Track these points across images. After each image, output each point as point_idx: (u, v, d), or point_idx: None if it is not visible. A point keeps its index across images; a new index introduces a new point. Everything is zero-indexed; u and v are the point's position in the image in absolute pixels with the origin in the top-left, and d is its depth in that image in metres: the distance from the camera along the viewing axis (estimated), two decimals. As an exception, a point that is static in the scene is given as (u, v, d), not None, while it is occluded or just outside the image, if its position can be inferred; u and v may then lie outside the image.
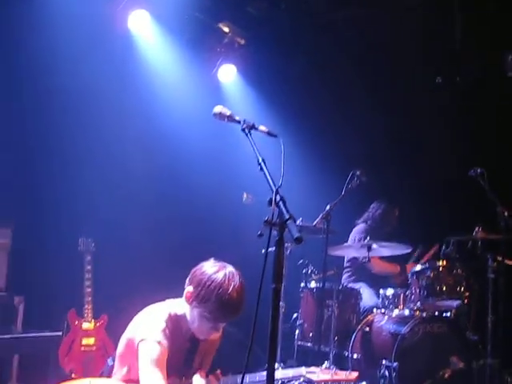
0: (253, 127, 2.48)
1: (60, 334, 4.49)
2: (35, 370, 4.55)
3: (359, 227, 6.01)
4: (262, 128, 2.51)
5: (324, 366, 3.11)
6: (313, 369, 2.90)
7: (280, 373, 2.89)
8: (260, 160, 2.31)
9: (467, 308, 5.41)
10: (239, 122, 2.51)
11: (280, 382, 4.91)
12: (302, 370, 2.89)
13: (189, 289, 2.69)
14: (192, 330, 2.73)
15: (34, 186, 5.26)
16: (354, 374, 2.94)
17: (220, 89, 6.57)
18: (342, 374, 2.94)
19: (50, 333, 4.26)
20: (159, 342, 2.59)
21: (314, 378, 2.85)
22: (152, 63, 5.99)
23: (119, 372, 2.78)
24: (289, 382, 5.00)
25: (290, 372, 2.92)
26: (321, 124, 6.85)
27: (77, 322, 5.10)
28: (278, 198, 2.13)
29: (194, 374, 2.75)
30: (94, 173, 5.44)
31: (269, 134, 2.49)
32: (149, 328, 2.63)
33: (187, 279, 2.72)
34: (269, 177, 2.25)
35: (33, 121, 5.21)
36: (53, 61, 5.12)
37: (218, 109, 2.55)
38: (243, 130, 2.46)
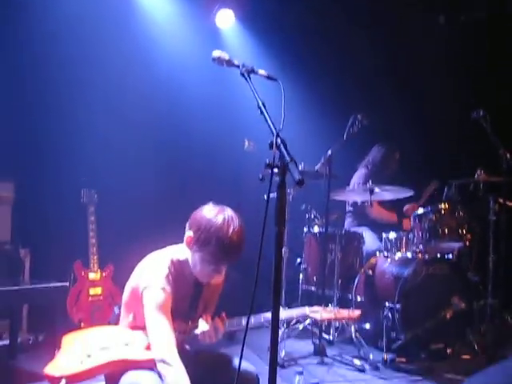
0: (252, 71, 2.44)
1: (67, 284, 4.54)
2: (44, 320, 4.63)
3: (360, 172, 6.02)
4: (262, 72, 2.48)
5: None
6: (316, 308, 2.94)
7: (284, 313, 2.93)
8: (260, 104, 2.28)
9: (469, 250, 5.48)
10: (238, 66, 2.47)
11: (285, 324, 5.04)
12: (306, 309, 2.93)
13: (189, 233, 2.70)
14: (195, 274, 2.75)
15: (35, 138, 5.24)
16: (357, 312, 2.98)
17: (218, 34, 6.47)
18: (345, 312, 2.98)
19: (56, 283, 4.31)
20: (163, 289, 2.62)
21: (317, 316, 2.89)
22: (149, 10, 5.88)
23: (125, 319, 2.82)
24: (294, 329, 5.13)
25: (293, 312, 2.96)
26: (320, 69, 6.76)
27: (83, 273, 5.16)
28: (279, 141, 2.12)
29: (200, 318, 2.79)
30: (93, 123, 5.41)
31: (268, 77, 2.46)
32: (152, 275, 2.66)
33: (187, 224, 2.73)
34: (269, 120, 2.22)
35: (31, 74, 5.15)
36: (49, 12, 5.03)
37: (216, 53, 2.51)
38: (242, 74, 2.42)
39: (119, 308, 2.92)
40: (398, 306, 4.71)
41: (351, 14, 6.52)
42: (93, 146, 5.36)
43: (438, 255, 5.20)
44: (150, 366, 2.57)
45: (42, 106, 5.23)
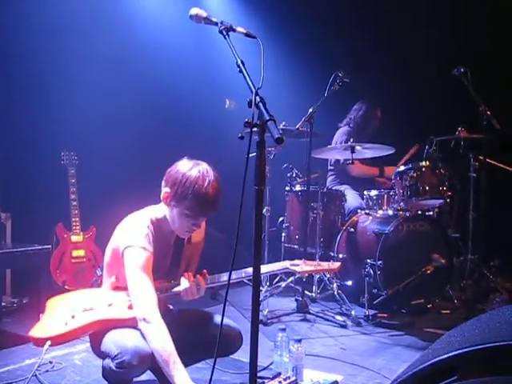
0: (231, 29, 2.41)
1: (49, 247, 4.53)
2: (28, 283, 4.63)
3: (342, 130, 6.01)
4: (240, 29, 2.44)
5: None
6: (296, 262, 2.97)
7: (265, 267, 2.95)
8: (238, 62, 2.26)
9: (449, 207, 5.54)
10: (216, 23, 2.43)
11: (268, 281, 5.09)
12: (286, 263, 2.96)
13: (165, 190, 2.70)
14: (174, 230, 2.77)
15: (14, 101, 5.15)
16: (337, 264, 3.02)
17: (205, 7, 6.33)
18: (325, 265, 3.02)
19: (39, 246, 4.29)
20: (144, 248, 2.63)
21: (297, 269, 2.93)
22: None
23: (108, 281, 2.83)
24: (277, 287, 5.17)
25: (274, 266, 2.99)
26: (302, 27, 6.67)
27: (65, 236, 5.15)
28: (258, 99, 2.10)
29: (182, 276, 2.81)
30: (71, 85, 5.31)
31: (247, 35, 2.42)
32: (132, 235, 2.66)
33: (163, 181, 2.74)
34: (248, 79, 2.20)
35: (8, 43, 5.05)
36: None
37: (193, 11, 2.47)
38: (221, 31, 2.39)
39: (101, 270, 2.93)
40: (379, 262, 4.77)
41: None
42: (72, 108, 5.27)
43: (419, 212, 5.26)
44: (133, 324, 2.59)
45: (20, 70, 5.12)
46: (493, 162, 5.35)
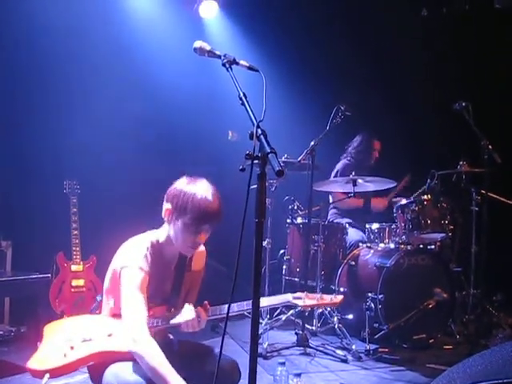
0: (234, 62, 2.45)
1: (49, 275, 4.52)
2: (27, 312, 4.60)
3: (341, 163, 6.04)
4: (243, 62, 2.48)
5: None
6: (298, 294, 2.93)
7: (267, 300, 2.92)
8: (241, 94, 2.28)
9: (451, 241, 5.53)
10: (219, 56, 2.47)
11: (268, 314, 5.04)
12: (288, 296, 2.92)
13: (166, 206, 2.71)
14: (178, 247, 2.75)
15: (18, 129, 5.20)
16: (340, 297, 2.98)
17: (201, 25, 6.43)
18: (328, 298, 2.98)
19: (39, 275, 4.28)
20: (140, 268, 2.61)
21: (299, 303, 2.89)
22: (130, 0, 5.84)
23: (106, 306, 2.81)
24: (277, 319, 5.14)
25: (276, 299, 2.96)
26: (303, 60, 6.76)
27: (66, 265, 5.13)
28: (259, 131, 2.12)
29: (182, 305, 2.79)
30: (76, 115, 5.36)
31: (250, 68, 2.46)
32: (130, 256, 2.65)
33: (164, 201, 2.75)
34: (250, 111, 2.22)
35: (15, 64, 5.11)
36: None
37: (197, 43, 2.52)
38: (224, 64, 2.43)
39: (101, 296, 2.91)
40: (380, 296, 4.74)
41: (334, 7, 6.51)
42: (75, 138, 5.31)
43: (421, 246, 5.24)
44: (133, 357, 2.56)
45: (24, 100, 5.18)
46: (495, 195, 5.34)
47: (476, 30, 6.33)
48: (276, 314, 5.39)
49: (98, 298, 3.00)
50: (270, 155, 2.05)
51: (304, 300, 2.88)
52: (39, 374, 2.53)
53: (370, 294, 4.84)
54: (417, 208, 5.07)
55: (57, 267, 5.15)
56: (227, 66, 2.42)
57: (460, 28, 6.44)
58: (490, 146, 5.01)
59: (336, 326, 4.90)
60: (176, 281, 2.85)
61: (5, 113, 5.09)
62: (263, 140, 2.09)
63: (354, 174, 5.20)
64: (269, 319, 5.11)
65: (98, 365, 2.62)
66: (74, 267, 5.15)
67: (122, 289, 2.61)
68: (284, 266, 5.61)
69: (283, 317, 5.14)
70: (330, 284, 5.33)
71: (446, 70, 6.50)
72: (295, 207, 5.66)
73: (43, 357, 2.59)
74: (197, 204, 2.62)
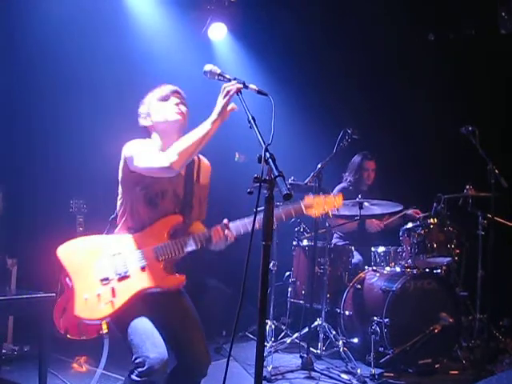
0: (243, 85, 2.49)
1: (53, 295, 4.49)
2: (30, 331, 4.58)
3: (339, 186, 6.04)
4: (253, 86, 2.53)
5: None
6: (308, 202, 3.02)
7: (280, 212, 3.07)
8: (250, 118, 2.32)
9: (457, 265, 5.49)
10: (230, 79, 2.52)
11: (273, 337, 5.01)
12: (301, 205, 3.00)
13: (141, 122, 3.05)
14: (169, 122, 2.94)
15: (25, 148, 5.23)
16: (340, 198, 3.13)
17: (210, 47, 6.49)
18: (331, 199, 3.09)
19: (43, 294, 4.26)
20: (144, 138, 2.89)
21: (312, 213, 2.99)
22: (142, 22, 5.90)
23: (121, 222, 2.96)
24: (282, 342, 5.11)
25: (287, 210, 3.06)
26: (310, 82, 6.79)
27: (70, 284, 5.11)
28: (268, 155, 2.14)
29: (195, 218, 2.94)
30: (84, 134, 5.39)
31: (259, 92, 2.50)
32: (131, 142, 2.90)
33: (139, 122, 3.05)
34: (259, 134, 2.25)
35: (23, 82, 5.16)
36: (44, 23, 5.05)
37: (208, 67, 2.60)
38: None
39: (115, 213, 3.04)
40: (386, 320, 4.70)
41: (340, 32, 6.57)
42: (82, 156, 5.34)
43: (427, 270, 5.21)
44: (171, 288, 2.75)
45: (32, 117, 5.22)
46: (501, 220, 5.33)
47: (482, 54, 6.38)
48: (281, 336, 5.36)
49: (111, 218, 3.05)
50: (278, 178, 2.07)
51: (314, 209, 2.99)
52: (93, 322, 2.71)
53: (375, 318, 4.81)
54: (423, 231, 5.07)
55: (61, 286, 5.13)
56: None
57: (466, 53, 6.48)
58: (496, 171, 5.01)
59: (341, 350, 4.86)
60: (187, 187, 2.95)
61: (12, 132, 5.13)
62: (271, 163, 2.11)
63: (360, 196, 5.20)
64: (273, 342, 5.08)
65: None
66: (78, 286, 5.13)
67: (129, 158, 2.83)
68: (289, 289, 5.59)
69: (288, 339, 5.11)
70: (336, 307, 5.30)
71: (453, 93, 6.53)
72: (301, 230, 5.66)
73: (91, 305, 2.65)
74: (156, 88, 3.01)
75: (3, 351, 4.63)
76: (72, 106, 5.35)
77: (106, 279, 2.69)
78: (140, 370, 2.55)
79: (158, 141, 2.96)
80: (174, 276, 2.82)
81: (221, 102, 2.66)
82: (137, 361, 2.58)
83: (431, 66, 6.65)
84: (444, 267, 5.42)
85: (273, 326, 5.24)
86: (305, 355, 4.78)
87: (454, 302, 5.01)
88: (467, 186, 5.41)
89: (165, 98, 2.95)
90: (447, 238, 5.04)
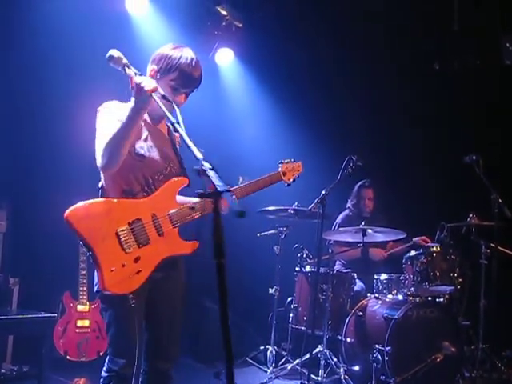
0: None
1: (55, 315, 4.50)
2: (30, 351, 4.56)
3: (342, 214, 6.06)
4: (161, 91, 2.50)
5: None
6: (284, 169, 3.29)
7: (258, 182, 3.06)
8: (173, 120, 2.30)
9: (460, 294, 5.46)
10: (135, 74, 2.49)
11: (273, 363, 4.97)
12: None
13: (151, 67, 2.83)
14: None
15: (29, 167, 5.24)
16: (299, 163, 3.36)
17: (217, 72, 6.55)
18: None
19: (44, 314, 4.26)
20: (108, 108, 2.76)
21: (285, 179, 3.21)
22: (149, 46, 5.93)
23: (110, 185, 2.84)
24: (282, 369, 5.07)
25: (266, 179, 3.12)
26: (316, 108, 6.85)
27: (72, 304, 5.11)
28: (207, 167, 2.11)
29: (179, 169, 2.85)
30: (85, 156, 5.40)
31: (163, 97, 2.49)
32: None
33: (149, 63, 2.86)
34: (190, 143, 2.22)
35: (24, 100, 5.20)
36: (50, 40, 5.10)
37: (115, 53, 2.53)
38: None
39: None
40: (387, 348, 4.67)
41: (345, 57, 6.64)
42: (85, 176, 5.35)
43: (429, 298, 5.19)
44: (187, 252, 2.72)
45: (35, 136, 5.24)
46: (504, 249, 5.32)
47: (487, 84, 6.42)
48: (281, 362, 5.32)
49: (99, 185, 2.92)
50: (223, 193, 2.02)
51: (288, 175, 3.23)
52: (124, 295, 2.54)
53: (377, 346, 4.77)
54: (426, 260, 5.06)
55: (63, 306, 5.13)
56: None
57: (471, 82, 6.53)
58: (500, 200, 5.02)
59: (342, 377, 4.83)
60: (175, 147, 2.90)
61: (16, 149, 5.15)
62: (213, 176, 2.08)
63: (363, 224, 5.21)
64: (274, 368, 5.05)
65: None
66: (79, 307, 5.13)
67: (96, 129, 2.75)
68: (291, 314, 5.56)
69: (288, 366, 5.08)
70: (337, 334, 5.27)
71: (458, 122, 6.57)
72: (304, 255, 5.65)
73: (120, 278, 2.51)
74: (181, 67, 2.76)
75: (2, 371, 4.60)
76: (73, 131, 5.37)
77: (129, 248, 2.54)
78: (110, 366, 2.63)
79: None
80: (188, 242, 2.74)
81: (136, 100, 2.54)
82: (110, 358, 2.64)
83: (435, 94, 6.69)
84: (447, 296, 5.39)
85: (274, 352, 5.21)
86: (305, 382, 4.74)
87: (457, 331, 4.98)
88: (470, 215, 5.41)
89: (176, 91, 2.79)
90: (450, 267, 5.02)
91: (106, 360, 2.66)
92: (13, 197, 5.01)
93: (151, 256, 2.59)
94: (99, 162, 2.67)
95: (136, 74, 2.49)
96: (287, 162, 3.29)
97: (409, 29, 6.31)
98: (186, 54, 2.80)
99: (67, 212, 2.59)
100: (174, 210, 2.70)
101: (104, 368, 2.66)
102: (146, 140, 2.77)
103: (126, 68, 2.53)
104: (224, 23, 6.23)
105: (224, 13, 6.16)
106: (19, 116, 5.17)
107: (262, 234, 5.30)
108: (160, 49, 2.87)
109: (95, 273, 2.59)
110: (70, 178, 5.30)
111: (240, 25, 6.33)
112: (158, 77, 2.78)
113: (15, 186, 5.11)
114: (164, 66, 2.78)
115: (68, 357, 5.01)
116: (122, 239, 2.54)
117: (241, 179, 5.66)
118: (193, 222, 2.74)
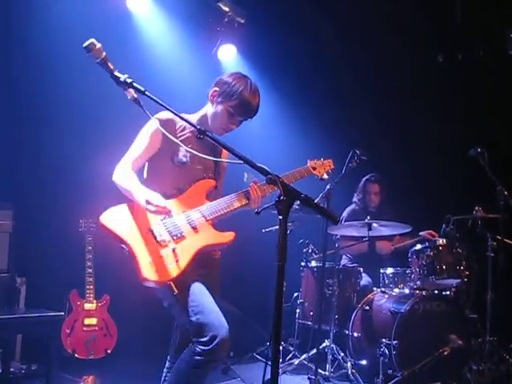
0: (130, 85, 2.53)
1: (62, 314, 4.51)
2: (38, 349, 4.59)
3: (348, 208, 6.05)
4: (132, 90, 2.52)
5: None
6: (312, 164, 3.40)
7: (290, 176, 3.21)
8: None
9: (466, 287, 5.44)
10: (114, 75, 2.49)
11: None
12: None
13: (214, 88, 3.02)
14: (212, 126, 3.01)
15: (35, 166, 5.26)
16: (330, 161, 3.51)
17: (220, 68, 6.54)
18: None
19: (52, 313, 4.28)
20: (159, 119, 2.88)
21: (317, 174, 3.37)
22: (151, 43, 5.96)
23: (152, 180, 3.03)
24: (290, 364, 5.08)
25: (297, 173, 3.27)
26: (320, 103, 6.84)
27: (79, 303, 5.14)
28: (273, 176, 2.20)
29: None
30: (93, 153, 5.42)
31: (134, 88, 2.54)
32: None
33: (213, 84, 3.05)
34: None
35: (28, 100, 5.23)
36: (51, 42, 5.10)
37: (96, 44, 2.45)
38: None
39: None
40: (394, 342, 4.67)
41: (349, 52, 6.62)
42: (91, 175, 5.37)
43: (436, 292, 5.18)
44: (224, 243, 2.88)
45: (41, 136, 5.26)
46: (510, 241, 5.30)
47: (491, 75, 6.39)
48: (289, 357, 5.33)
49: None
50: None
51: (319, 170, 3.35)
52: (163, 284, 2.68)
53: (384, 340, 4.77)
54: (432, 253, 5.05)
55: (70, 305, 5.15)
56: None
57: (476, 73, 6.50)
58: (505, 192, 5.00)
59: (349, 372, 4.83)
60: (216, 163, 3.09)
61: (22, 149, 5.17)
62: (279, 183, 2.14)
63: (369, 218, 5.20)
64: (281, 363, 5.05)
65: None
66: (87, 305, 5.15)
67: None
68: (298, 310, 5.57)
69: (296, 361, 5.09)
70: (344, 328, 5.27)
71: (462, 114, 6.55)
72: (310, 250, 5.65)
73: (157, 267, 2.68)
74: (242, 96, 2.93)
75: (11, 369, 4.62)
76: (81, 126, 5.39)
77: (164, 241, 2.74)
78: (205, 348, 2.64)
79: (200, 113, 3.11)
80: (224, 233, 2.91)
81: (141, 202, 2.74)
82: (205, 338, 2.65)
83: (440, 87, 6.67)
84: (453, 289, 5.38)
85: (281, 348, 5.21)
86: (313, 377, 4.74)
87: (464, 324, 4.96)
88: (476, 208, 5.39)
89: (233, 118, 3.00)
90: (456, 260, 5.02)
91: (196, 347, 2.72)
92: (19, 196, 5.02)
93: (188, 247, 2.77)
94: (114, 173, 2.94)
95: (113, 69, 2.48)
96: (316, 160, 3.42)
97: (411, 21, 6.28)
98: (250, 85, 2.98)
99: (101, 216, 2.83)
100: (203, 206, 2.90)
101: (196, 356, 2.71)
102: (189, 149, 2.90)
103: (103, 65, 2.49)
104: (226, 19, 6.22)
105: (226, 9, 6.15)
106: (23, 116, 5.18)
107: (267, 229, 5.29)
108: (225, 74, 3.06)
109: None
110: (76, 178, 5.32)
111: (242, 21, 6.32)
112: (219, 100, 2.98)
113: (21, 186, 5.13)
114: (226, 91, 2.96)
115: (76, 355, 5.04)
116: (156, 234, 2.75)
117: (246, 175, 5.66)
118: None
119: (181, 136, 2.97)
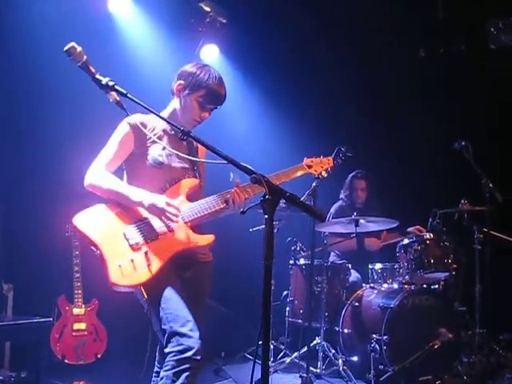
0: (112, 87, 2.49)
1: (51, 319, 4.47)
2: (27, 356, 4.55)
3: (335, 205, 6.06)
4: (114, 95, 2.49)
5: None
6: (308, 162, 3.32)
7: (282, 175, 3.15)
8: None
9: (455, 280, 5.47)
10: (96, 78, 2.48)
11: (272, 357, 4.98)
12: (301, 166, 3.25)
13: (179, 82, 2.99)
14: (182, 121, 2.96)
15: (22, 172, 5.21)
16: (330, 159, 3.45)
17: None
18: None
19: (40, 319, 4.24)
20: (129, 122, 2.85)
21: (313, 171, 3.30)
22: (133, 44, 5.92)
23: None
24: (281, 362, 5.08)
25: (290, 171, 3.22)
26: (304, 101, 6.85)
27: (67, 308, 5.10)
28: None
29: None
30: (80, 159, 5.37)
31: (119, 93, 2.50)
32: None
33: (174, 79, 3.03)
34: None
35: (19, 103, 5.19)
36: (33, 44, 5.06)
37: (77, 48, 2.45)
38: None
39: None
40: (385, 337, 4.68)
41: (332, 49, 6.63)
42: (78, 180, 5.32)
43: (425, 285, 5.21)
44: (200, 246, 2.81)
45: (26, 139, 5.21)
46: (497, 234, 5.34)
47: (473, 68, 6.44)
48: (280, 356, 5.33)
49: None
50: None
51: (315, 168, 3.29)
52: (131, 289, 2.65)
53: (374, 336, 4.79)
54: (419, 247, 5.06)
55: (58, 311, 5.11)
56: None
57: (457, 67, 6.54)
58: (490, 185, 5.03)
59: (341, 369, 4.84)
60: (193, 162, 3.01)
61: (8, 153, 5.12)
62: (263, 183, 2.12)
63: (356, 214, 5.21)
64: (273, 362, 5.05)
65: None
66: (75, 311, 5.11)
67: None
68: (287, 308, 5.56)
69: (287, 359, 5.08)
70: (334, 325, 5.28)
71: (446, 108, 6.58)
72: (298, 248, 5.65)
73: (127, 272, 2.61)
74: (209, 85, 2.93)
75: (0, 377, 4.58)
76: (69, 131, 5.34)
77: (136, 244, 2.67)
78: (180, 357, 2.57)
79: (168, 109, 3.06)
80: (203, 236, 2.83)
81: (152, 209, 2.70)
82: (179, 347, 2.58)
83: (423, 81, 6.70)
84: (442, 282, 5.41)
85: (271, 346, 5.20)
86: (304, 375, 4.73)
87: (453, 317, 4.99)
88: (462, 201, 5.42)
89: (203, 107, 2.98)
90: (444, 253, 5.04)
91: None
92: (4, 202, 4.97)
93: (162, 250, 2.68)
94: (86, 177, 2.85)
95: (94, 72, 2.46)
96: (314, 157, 3.39)
97: (395, 15, 6.31)
98: (214, 73, 2.97)
99: (74, 218, 2.72)
100: (183, 207, 2.80)
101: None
102: (164, 148, 2.88)
103: (84, 69, 2.48)
104: (208, 19, 6.19)
105: (207, 9, 6.12)
106: (5, 119, 5.13)
107: (255, 229, 5.28)
108: (186, 66, 3.04)
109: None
110: (63, 183, 5.27)
111: (224, 21, 6.30)
112: (187, 92, 2.95)
113: (7, 191, 5.08)
114: (192, 83, 2.94)
115: (66, 361, 4.99)
116: (129, 237, 2.68)
117: (232, 175, 5.65)
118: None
119: (154, 136, 2.91)
